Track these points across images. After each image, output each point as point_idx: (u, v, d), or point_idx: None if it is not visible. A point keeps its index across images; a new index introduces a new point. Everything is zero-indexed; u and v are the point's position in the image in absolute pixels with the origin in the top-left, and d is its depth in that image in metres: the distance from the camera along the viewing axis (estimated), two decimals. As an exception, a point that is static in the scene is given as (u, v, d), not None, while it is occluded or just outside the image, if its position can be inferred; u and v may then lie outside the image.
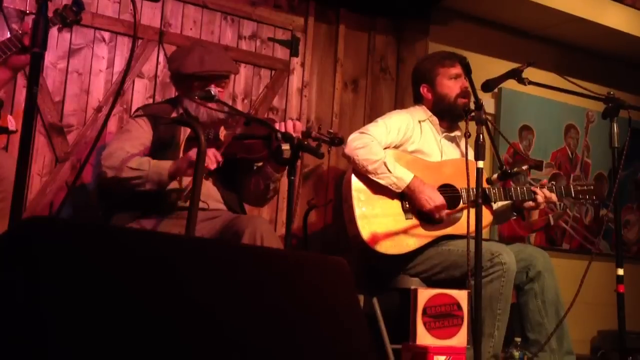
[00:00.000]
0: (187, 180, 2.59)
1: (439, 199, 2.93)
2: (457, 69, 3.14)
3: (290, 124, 2.59)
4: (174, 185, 2.62)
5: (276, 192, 2.93)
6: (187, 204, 2.37)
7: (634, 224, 5.06)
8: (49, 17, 2.41)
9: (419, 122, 3.17)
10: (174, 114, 2.77)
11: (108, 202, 2.73)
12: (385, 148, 3.01)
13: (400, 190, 2.95)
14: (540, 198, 3.01)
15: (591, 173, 4.86)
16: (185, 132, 2.74)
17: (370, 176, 2.95)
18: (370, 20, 3.99)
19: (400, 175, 2.94)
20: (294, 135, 2.46)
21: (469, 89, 3.13)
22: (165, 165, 2.56)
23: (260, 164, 2.84)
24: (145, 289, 1.15)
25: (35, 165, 3.05)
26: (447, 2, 4.11)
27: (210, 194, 2.73)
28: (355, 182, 2.98)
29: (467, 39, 4.36)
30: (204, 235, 2.59)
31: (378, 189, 2.98)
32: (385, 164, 2.92)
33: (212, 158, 2.47)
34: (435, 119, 3.19)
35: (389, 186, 2.95)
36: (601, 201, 4.33)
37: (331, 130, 2.64)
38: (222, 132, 2.61)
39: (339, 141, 2.59)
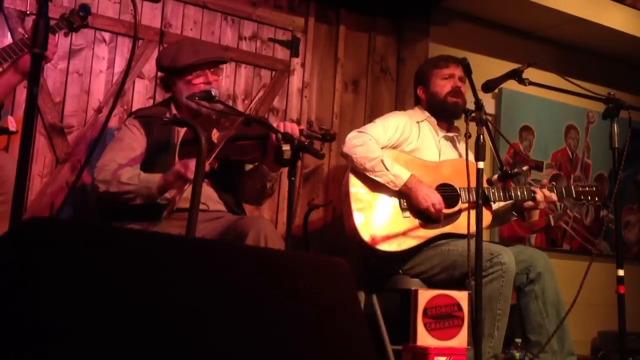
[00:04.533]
0: (174, 193, 2.58)
1: (435, 197, 2.94)
2: (450, 70, 3.19)
3: (288, 126, 2.58)
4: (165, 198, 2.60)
5: (273, 190, 2.92)
6: (187, 205, 2.36)
7: (634, 224, 5.06)
8: (55, 22, 2.43)
9: (417, 122, 3.20)
10: (167, 116, 2.76)
11: (107, 207, 2.73)
12: (383, 147, 3.02)
13: (397, 189, 2.96)
14: (539, 197, 3.02)
15: (591, 174, 4.86)
16: (179, 134, 2.72)
17: (368, 174, 2.96)
18: (370, 20, 3.99)
19: (398, 173, 2.95)
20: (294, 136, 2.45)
21: (462, 88, 3.17)
22: (155, 179, 2.55)
23: (254, 164, 2.83)
24: (145, 290, 1.15)
25: (35, 166, 3.05)
26: (448, 2, 4.11)
27: (209, 196, 2.72)
28: (353, 181, 3.00)
29: (467, 40, 4.36)
30: (205, 236, 2.57)
31: (376, 187, 2.99)
32: (382, 161, 2.94)
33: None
34: (433, 120, 3.23)
35: (387, 184, 2.96)
36: (603, 203, 4.33)
37: (324, 127, 2.63)
38: (215, 135, 2.59)
39: (331, 137, 2.57)
